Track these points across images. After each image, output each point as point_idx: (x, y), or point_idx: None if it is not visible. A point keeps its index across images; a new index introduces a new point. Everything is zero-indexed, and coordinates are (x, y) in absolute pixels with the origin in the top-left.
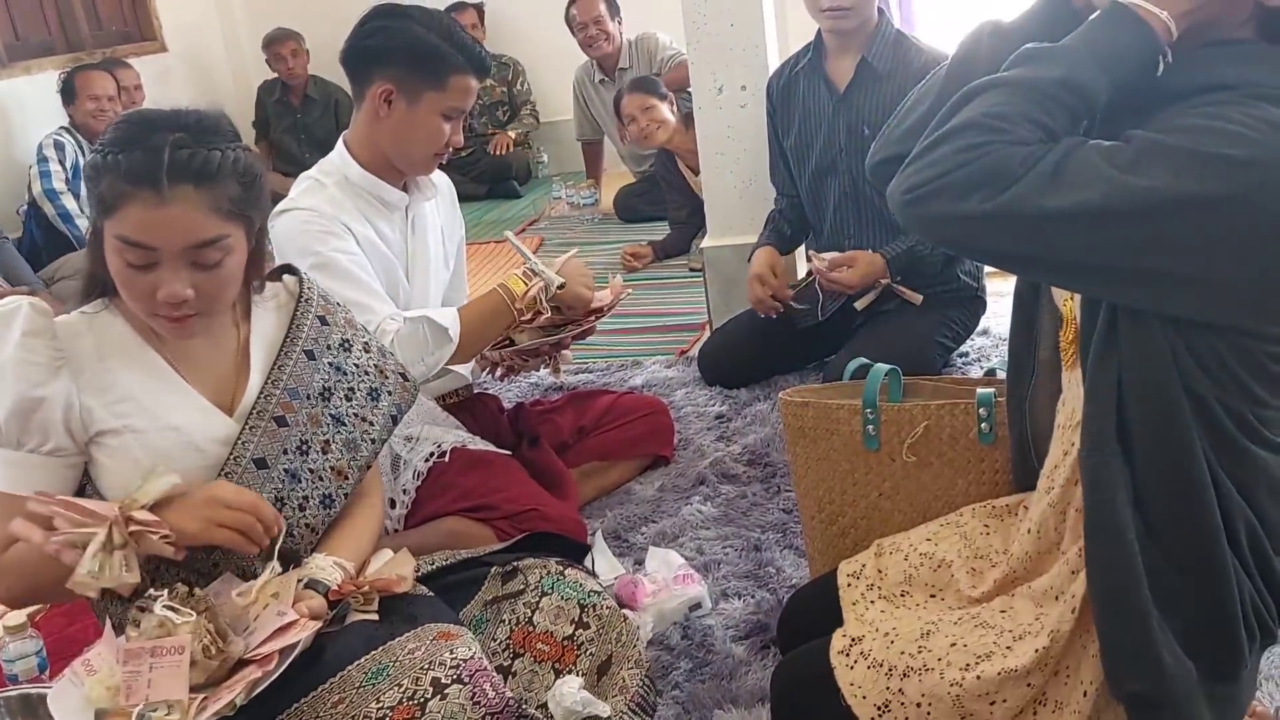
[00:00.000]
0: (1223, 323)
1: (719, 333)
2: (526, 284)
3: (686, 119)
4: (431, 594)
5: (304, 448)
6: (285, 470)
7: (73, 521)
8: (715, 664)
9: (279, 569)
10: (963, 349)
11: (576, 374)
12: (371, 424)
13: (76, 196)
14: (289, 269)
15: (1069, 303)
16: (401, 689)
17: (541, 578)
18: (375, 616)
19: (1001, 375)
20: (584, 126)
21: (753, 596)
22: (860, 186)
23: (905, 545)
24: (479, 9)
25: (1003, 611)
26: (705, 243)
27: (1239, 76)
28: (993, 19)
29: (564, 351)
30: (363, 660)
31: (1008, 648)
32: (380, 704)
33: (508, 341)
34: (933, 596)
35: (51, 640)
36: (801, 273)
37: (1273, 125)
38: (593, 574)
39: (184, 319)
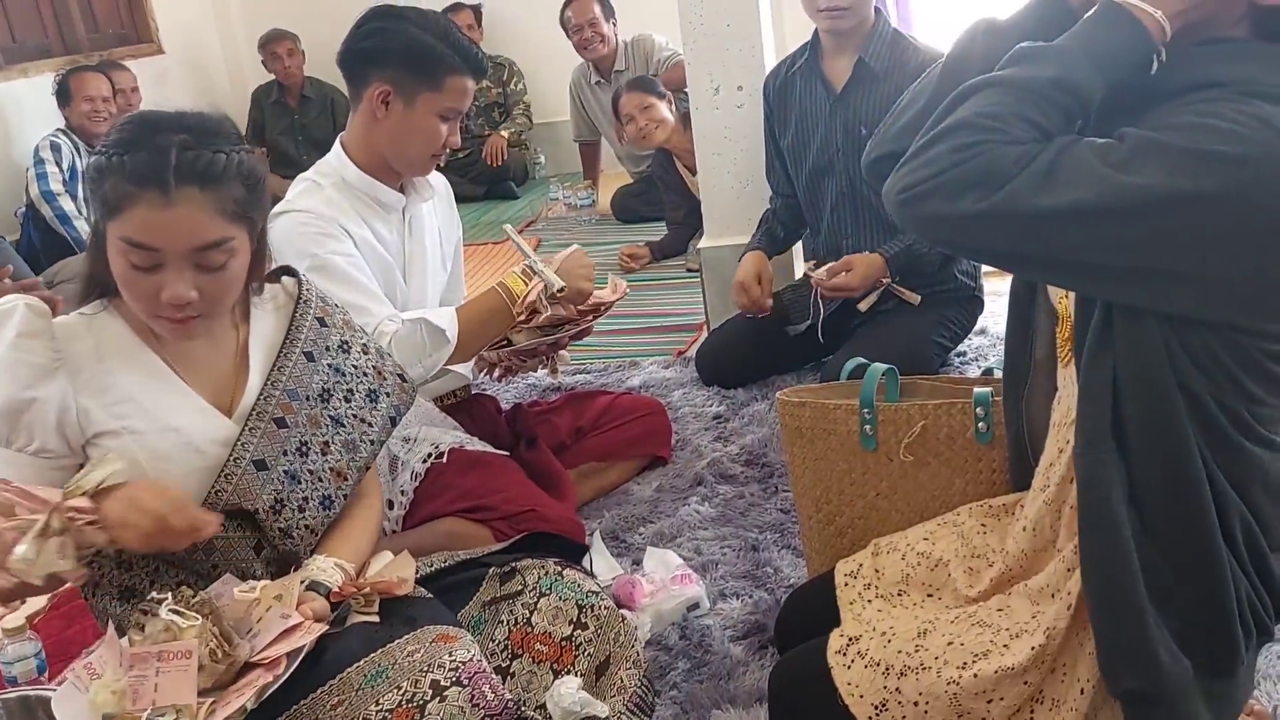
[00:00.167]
0: (1218, 320)
1: (716, 333)
2: (526, 283)
3: (685, 119)
4: (430, 596)
5: (303, 449)
6: (284, 471)
7: (26, 508)
8: (713, 664)
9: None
10: (960, 348)
11: (574, 375)
12: (370, 425)
13: (74, 198)
14: (288, 270)
15: (1064, 300)
16: (401, 691)
17: (540, 578)
18: (376, 618)
19: (998, 374)
20: (581, 128)
21: (750, 596)
22: (857, 186)
23: (902, 545)
24: (476, 10)
25: (999, 610)
26: (702, 243)
27: (1232, 74)
28: (988, 17)
29: (561, 352)
30: (362, 663)
31: (1005, 646)
32: (379, 706)
33: (505, 342)
34: (930, 595)
35: (50, 643)
36: (798, 273)
37: (1265, 122)
38: (591, 574)
39: (187, 320)
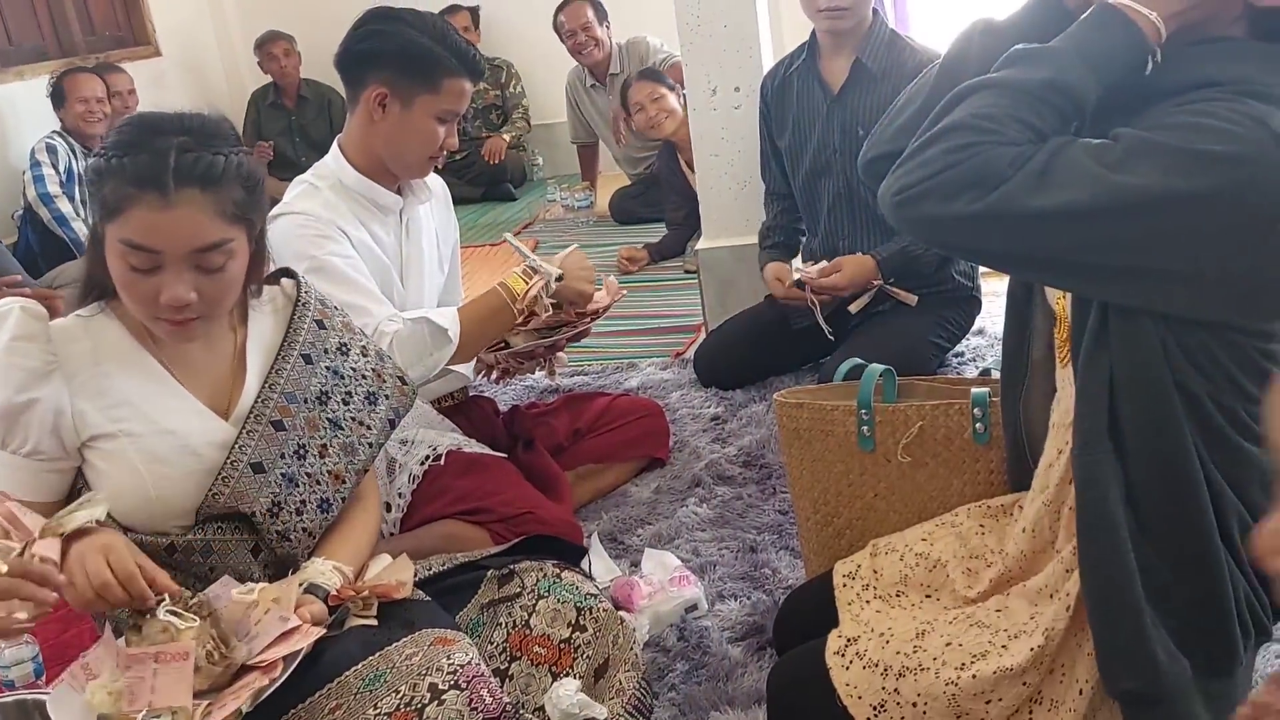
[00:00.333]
0: (1213, 319)
1: (714, 334)
2: (527, 282)
3: None
4: (428, 599)
5: (301, 452)
6: (282, 474)
7: (15, 535)
8: (711, 665)
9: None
10: (958, 349)
11: (572, 376)
12: (369, 428)
13: (71, 200)
14: (286, 272)
15: (1061, 301)
16: (399, 695)
17: (538, 580)
18: (374, 622)
19: (996, 375)
20: (578, 130)
21: (749, 598)
22: (854, 187)
23: (900, 545)
24: (473, 12)
25: (998, 611)
26: (700, 244)
27: (1227, 73)
28: (985, 18)
29: (559, 354)
30: (360, 666)
31: (1003, 647)
32: (378, 710)
33: (503, 344)
34: (928, 596)
35: (48, 646)
36: (794, 274)
37: (1259, 121)
38: (589, 576)
39: (186, 322)
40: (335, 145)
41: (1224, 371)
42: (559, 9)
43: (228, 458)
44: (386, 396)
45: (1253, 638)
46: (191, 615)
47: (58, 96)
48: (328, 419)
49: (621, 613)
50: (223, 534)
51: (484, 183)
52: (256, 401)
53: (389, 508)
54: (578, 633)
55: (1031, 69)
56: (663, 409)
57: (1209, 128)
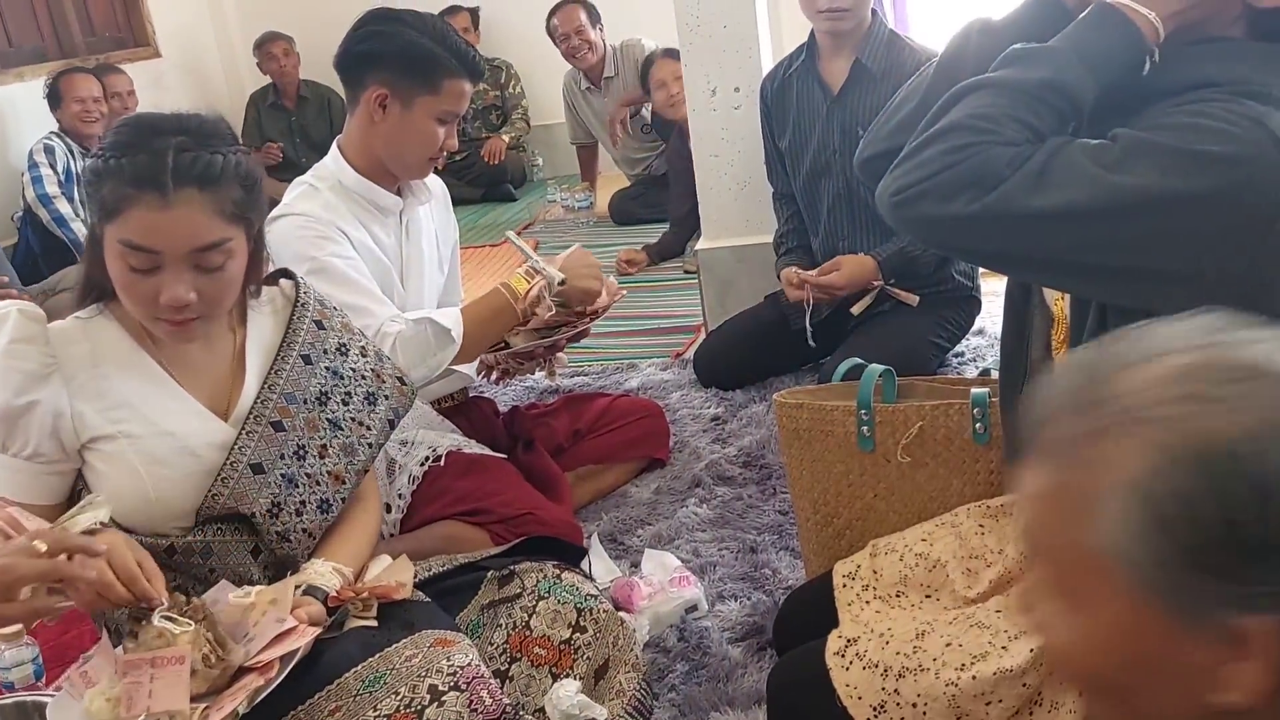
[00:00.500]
0: None
1: (714, 335)
2: (529, 282)
3: None
4: (428, 600)
5: (301, 453)
6: (282, 475)
7: (3, 532)
8: (711, 666)
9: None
10: (958, 349)
11: (572, 377)
12: (368, 428)
13: (70, 200)
14: (285, 273)
15: (1060, 302)
16: (399, 696)
17: (538, 581)
18: (374, 623)
19: (996, 375)
20: (576, 131)
21: (749, 598)
22: (854, 187)
23: (900, 546)
24: (473, 13)
25: (998, 611)
26: (700, 245)
27: (1225, 73)
28: (983, 17)
29: (559, 354)
30: (360, 667)
31: (1003, 648)
32: (378, 711)
33: (502, 344)
34: (928, 597)
35: (48, 648)
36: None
37: (1257, 121)
38: (589, 577)
39: (185, 323)
40: (335, 146)
41: None
42: (551, 13)
43: (227, 459)
44: (386, 397)
45: None
46: (187, 620)
47: (54, 97)
48: (327, 420)
49: (622, 613)
50: (222, 535)
51: (484, 183)
52: (256, 402)
53: (389, 509)
54: (578, 634)
55: (1029, 69)
56: (663, 409)
57: (1207, 128)
